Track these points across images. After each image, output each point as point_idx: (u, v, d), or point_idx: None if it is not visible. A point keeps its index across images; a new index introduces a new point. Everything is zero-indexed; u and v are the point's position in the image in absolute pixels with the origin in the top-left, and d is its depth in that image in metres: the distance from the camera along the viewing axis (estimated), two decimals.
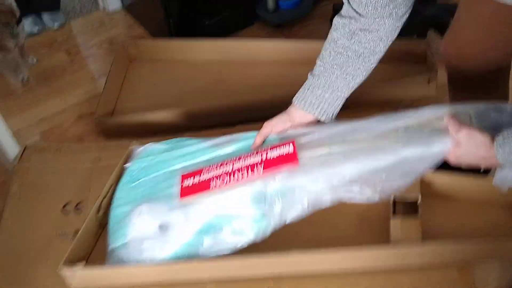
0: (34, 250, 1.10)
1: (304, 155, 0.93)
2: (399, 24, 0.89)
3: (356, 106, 1.08)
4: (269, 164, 0.93)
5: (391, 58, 1.39)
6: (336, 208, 1.08)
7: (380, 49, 0.91)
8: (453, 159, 0.85)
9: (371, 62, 0.92)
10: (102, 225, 1.08)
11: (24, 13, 1.91)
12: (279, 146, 0.95)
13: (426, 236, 1.00)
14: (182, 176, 1.00)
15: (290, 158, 0.92)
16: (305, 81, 0.97)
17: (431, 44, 1.51)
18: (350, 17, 0.88)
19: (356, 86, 0.94)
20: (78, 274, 0.97)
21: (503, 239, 0.99)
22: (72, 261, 0.98)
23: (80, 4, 2.15)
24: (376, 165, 0.88)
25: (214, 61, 1.65)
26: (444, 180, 1.09)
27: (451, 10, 1.72)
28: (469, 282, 0.99)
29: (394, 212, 1.04)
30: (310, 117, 0.97)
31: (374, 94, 1.37)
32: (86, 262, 1.03)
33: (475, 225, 1.07)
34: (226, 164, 0.97)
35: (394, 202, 1.05)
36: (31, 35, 1.96)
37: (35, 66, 1.84)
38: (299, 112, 0.97)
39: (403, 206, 1.05)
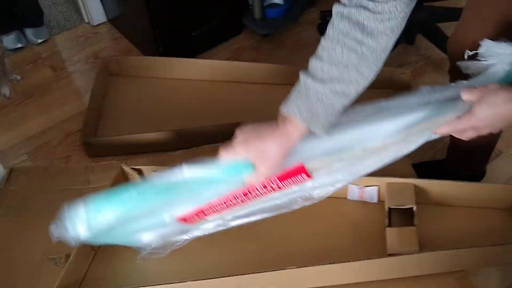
0: (24, 276, 1.08)
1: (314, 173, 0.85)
2: (408, 11, 0.76)
3: None
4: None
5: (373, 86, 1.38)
6: (332, 219, 1.09)
7: (391, 44, 0.76)
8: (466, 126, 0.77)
9: (382, 61, 0.77)
10: (94, 249, 1.06)
11: (7, 29, 1.89)
12: (291, 177, 0.83)
13: (423, 244, 0.99)
14: (180, 219, 0.89)
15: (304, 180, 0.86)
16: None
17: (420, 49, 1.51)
18: (358, 5, 0.73)
19: (359, 93, 0.78)
20: None
21: (501, 246, 0.98)
22: None
23: (64, 18, 2.12)
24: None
25: (198, 80, 1.65)
26: (439, 188, 1.08)
27: (438, 14, 1.74)
28: None
29: (390, 222, 1.03)
30: (304, 131, 0.78)
31: None
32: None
33: (472, 231, 1.07)
34: (231, 200, 0.86)
35: (390, 212, 1.04)
36: (14, 50, 1.93)
37: (20, 83, 1.80)
38: (297, 129, 0.77)
39: (399, 215, 1.04)
